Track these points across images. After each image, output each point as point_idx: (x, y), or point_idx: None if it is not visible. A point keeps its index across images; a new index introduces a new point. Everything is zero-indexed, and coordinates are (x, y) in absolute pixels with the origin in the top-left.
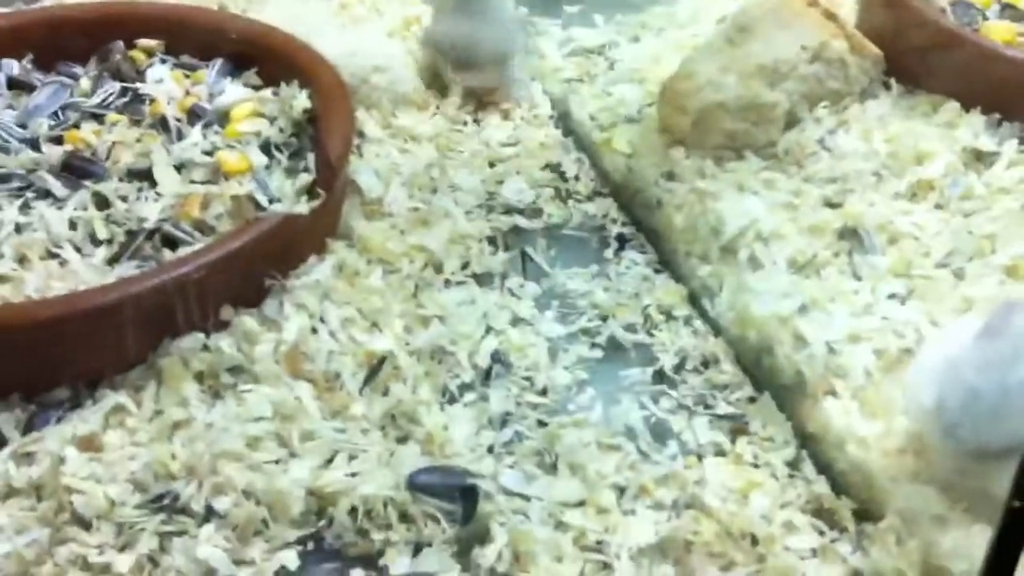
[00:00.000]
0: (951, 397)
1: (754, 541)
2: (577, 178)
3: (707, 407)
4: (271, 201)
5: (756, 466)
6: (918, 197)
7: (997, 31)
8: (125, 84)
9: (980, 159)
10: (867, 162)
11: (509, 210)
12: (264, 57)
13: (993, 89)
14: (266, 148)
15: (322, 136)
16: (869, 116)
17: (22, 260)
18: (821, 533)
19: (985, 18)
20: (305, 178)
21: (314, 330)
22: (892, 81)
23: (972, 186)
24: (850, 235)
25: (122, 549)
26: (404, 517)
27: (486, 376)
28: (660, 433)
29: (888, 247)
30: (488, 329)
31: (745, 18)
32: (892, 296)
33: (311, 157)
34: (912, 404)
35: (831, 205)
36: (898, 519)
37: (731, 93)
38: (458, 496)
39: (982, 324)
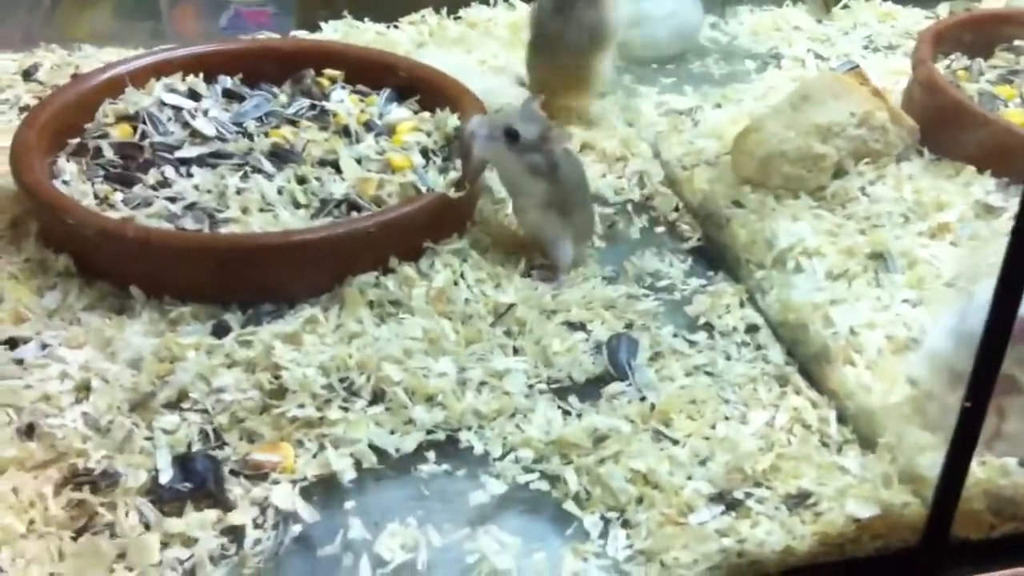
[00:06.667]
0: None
1: None
2: (656, 197)
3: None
4: (428, 189)
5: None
6: (936, 236)
7: (1014, 115)
8: (313, 101)
9: (989, 211)
10: (897, 207)
11: (604, 219)
12: (424, 89)
13: (1005, 158)
14: (424, 153)
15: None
16: (902, 173)
17: (244, 210)
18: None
19: (1007, 106)
20: (453, 175)
21: (455, 283)
22: (924, 150)
23: (980, 230)
24: (877, 257)
25: (318, 411)
26: None
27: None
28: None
29: (907, 269)
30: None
31: (807, 89)
32: (905, 301)
33: (458, 162)
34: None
35: (864, 235)
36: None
37: (791, 145)
38: None
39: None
